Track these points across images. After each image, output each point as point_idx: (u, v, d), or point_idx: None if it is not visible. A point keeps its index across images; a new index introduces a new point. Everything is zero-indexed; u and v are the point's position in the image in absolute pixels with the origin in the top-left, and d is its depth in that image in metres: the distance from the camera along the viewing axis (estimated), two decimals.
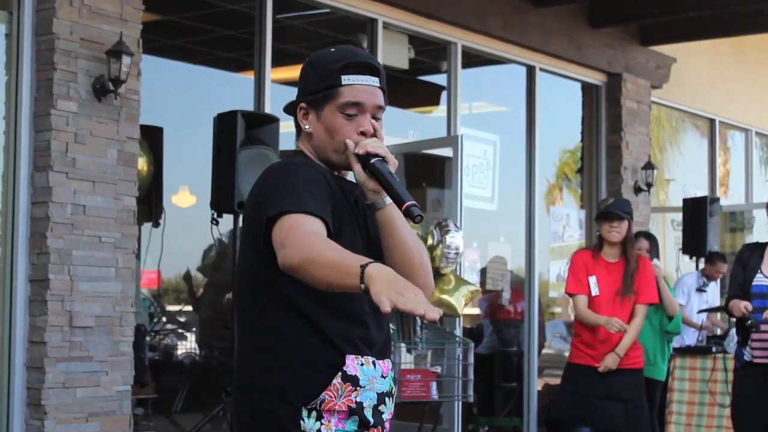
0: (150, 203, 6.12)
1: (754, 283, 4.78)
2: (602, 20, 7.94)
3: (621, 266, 4.98)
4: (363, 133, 2.01)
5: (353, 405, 1.92)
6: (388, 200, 1.99)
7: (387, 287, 1.63)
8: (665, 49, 8.66)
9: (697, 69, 9.36)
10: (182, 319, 8.38)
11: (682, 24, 8.31)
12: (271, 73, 6.00)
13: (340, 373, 1.92)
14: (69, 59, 4.66)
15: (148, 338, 6.70)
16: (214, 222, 4.86)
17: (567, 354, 10.92)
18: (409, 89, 8.20)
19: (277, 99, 6.02)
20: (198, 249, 7.86)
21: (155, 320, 7.62)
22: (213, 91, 7.86)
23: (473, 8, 7.02)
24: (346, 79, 2.00)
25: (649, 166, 8.30)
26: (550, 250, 7.93)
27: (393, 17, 6.69)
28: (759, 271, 4.80)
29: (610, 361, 4.86)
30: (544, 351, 8.38)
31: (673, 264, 9.19)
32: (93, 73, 4.74)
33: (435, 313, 1.62)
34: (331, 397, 1.91)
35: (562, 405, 5.09)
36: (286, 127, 5.76)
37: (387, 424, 2.00)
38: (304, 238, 1.80)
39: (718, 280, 7.27)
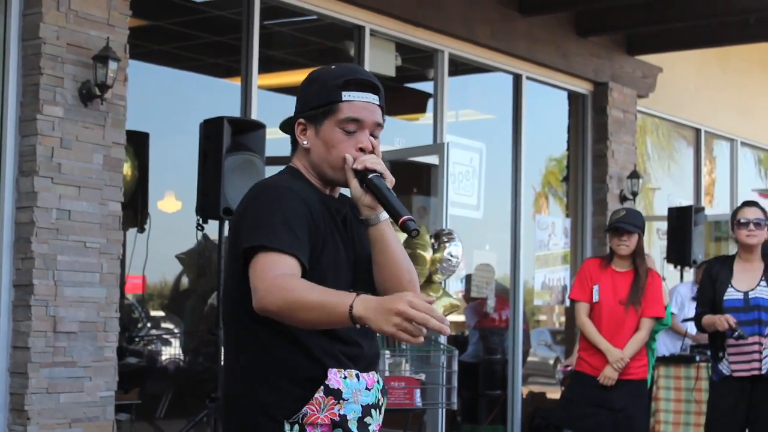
0: (135, 208, 6.11)
1: (725, 298, 4.69)
2: (589, 29, 7.98)
3: (629, 276, 4.95)
4: (361, 150, 2.04)
5: (336, 418, 1.94)
6: (382, 216, 2.02)
7: (385, 318, 1.70)
8: (652, 58, 8.71)
9: (682, 79, 9.43)
10: (167, 325, 8.37)
11: (668, 34, 8.35)
12: (258, 80, 6.02)
13: (322, 387, 1.94)
14: (55, 64, 4.66)
15: (132, 344, 6.69)
16: (199, 228, 4.87)
17: (551, 362, 10.98)
18: (395, 96, 8.21)
19: (263, 105, 6.03)
20: (184, 254, 7.85)
21: (140, 326, 7.60)
22: (199, 97, 7.87)
23: (460, 16, 7.05)
24: (346, 95, 2.02)
25: (634, 175, 8.33)
26: (536, 258, 7.95)
27: (380, 24, 6.72)
28: (729, 285, 4.71)
29: (608, 372, 4.86)
30: (528, 359, 8.40)
31: (659, 272, 9.21)
32: (79, 78, 4.75)
33: (447, 327, 1.72)
34: (314, 411, 1.93)
35: (554, 410, 5.15)
36: (273, 133, 5.78)
37: None
38: (280, 283, 1.82)
39: None
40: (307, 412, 1.93)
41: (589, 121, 8.37)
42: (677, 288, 7.25)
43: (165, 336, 8.03)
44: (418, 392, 4.99)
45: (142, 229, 6.26)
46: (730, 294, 4.71)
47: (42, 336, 4.59)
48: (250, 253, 1.90)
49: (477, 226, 7.63)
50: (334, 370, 1.95)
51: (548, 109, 8.60)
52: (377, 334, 1.94)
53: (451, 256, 5.35)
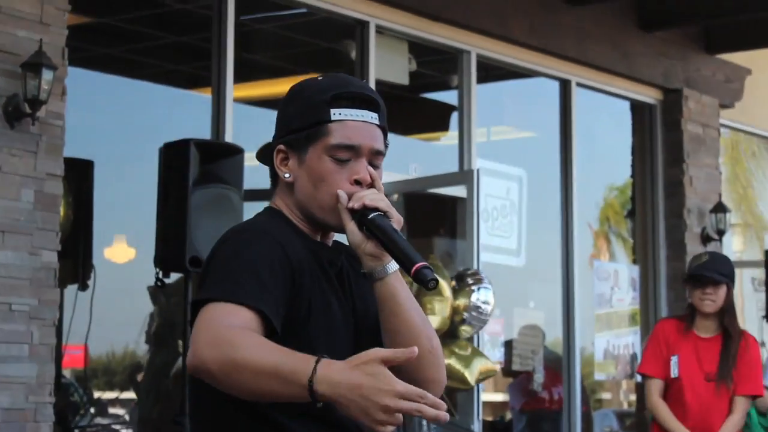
0: (76, 259, 6.09)
1: None
2: (656, 22, 8.01)
3: (717, 343, 4.93)
4: (358, 182, 2.04)
5: None
6: (390, 267, 2.02)
7: (365, 411, 1.71)
8: (737, 57, 8.73)
9: None
10: (117, 411, 8.31)
11: (757, 26, 8.37)
12: (234, 91, 6.03)
13: None
14: None
15: None
16: (159, 283, 4.86)
17: None
18: (409, 110, 8.21)
19: (241, 124, 6.04)
20: (138, 318, 7.81)
21: (81, 412, 7.56)
22: (159, 114, 7.90)
23: (491, 8, 7.09)
24: (336, 113, 2.03)
25: (720, 208, 8.31)
26: (595, 318, 7.91)
27: (389, 19, 6.75)
28: None
29: None
30: None
31: (756, 335, 9.15)
32: (4, 91, 4.76)
33: (445, 414, 1.71)
34: None
35: None
36: (253, 159, 5.79)
37: None
38: (227, 336, 1.82)
39: None
40: None
41: (658, 138, 8.37)
42: None
43: (115, 426, 7.97)
44: None
45: (84, 286, 6.24)
46: None
47: None
48: (198, 308, 1.92)
49: (518, 276, 7.62)
50: None
51: (606, 125, 8.61)
52: None
53: (481, 302, 5.33)
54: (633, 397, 9.74)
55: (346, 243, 2.09)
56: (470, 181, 6.21)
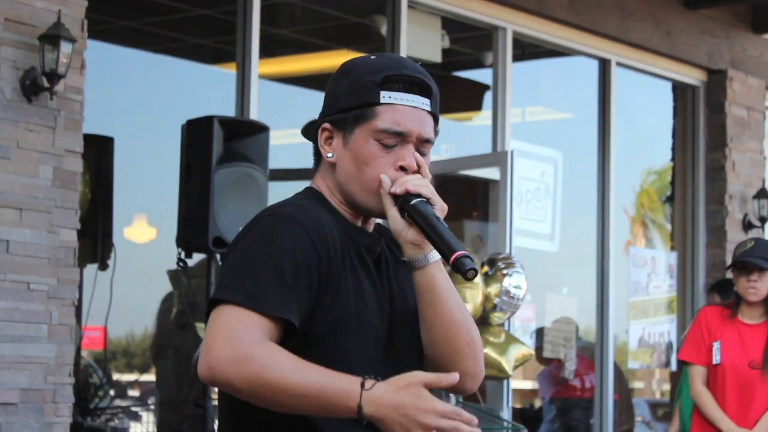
0: (95, 238, 6.13)
1: None
2: None
3: (763, 330, 4.93)
4: (403, 169, 2.04)
5: None
6: (432, 257, 2.03)
7: (405, 425, 1.81)
8: None
9: None
10: (136, 393, 8.35)
11: None
12: (259, 67, 6.01)
13: None
14: None
15: (90, 418, 6.67)
16: (180, 264, 4.86)
17: None
18: (442, 89, 8.16)
19: (266, 100, 6.03)
20: (158, 299, 7.85)
21: (100, 394, 7.61)
22: (181, 90, 7.91)
23: None
24: (386, 96, 2.02)
25: (763, 194, 8.26)
26: (630, 305, 7.88)
27: None
28: None
29: None
30: None
31: None
32: (21, 64, 4.73)
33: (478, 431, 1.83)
34: None
35: None
36: (279, 137, 5.75)
37: None
38: (251, 352, 1.84)
39: None
40: None
41: (701, 121, 8.32)
42: None
43: (134, 408, 8.02)
44: None
45: (104, 266, 6.27)
46: None
47: None
48: (214, 305, 1.92)
49: (551, 261, 7.58)
50: None
51: (646, 106, 8.55)
52: None
53: (513, 287, 5.35)
54: (666, 387, 9.72)
55: (389, 229, 2.09)
56: (504, 162, 6.17)
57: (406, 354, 2.06)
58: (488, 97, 7.32)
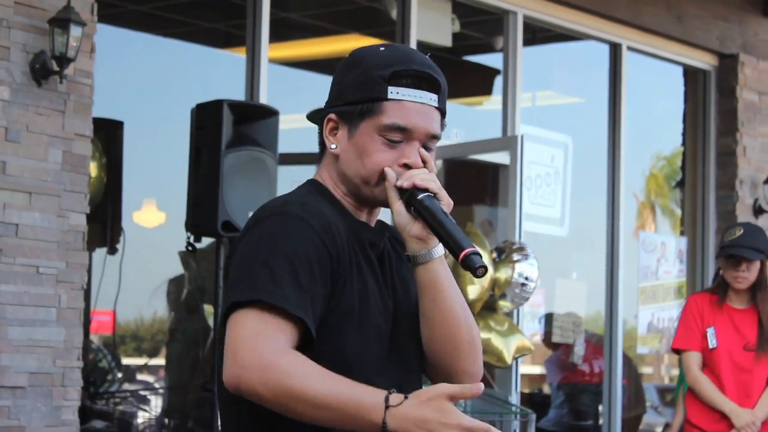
0: (104, 222, 6.13)
1: None
2: None
3: (753, 314, 4.96)
4: (407, 166, 2.03)
5: None
6: (436, 252, 2.02)
7: None
8: None
9: None
10: (145, 377, 8.37)
11: None
12: (269, 50, 5.99)
13: None
14: None
15: (99, 402, 6.69)
16: (189, 248, 4.87)
17: (659, 430, 10.86)
18: (452, 73, 8.16)
19: (276, 84, 6.00)
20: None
21: (109, 378, 7.64)
22: (191, 74, 7.90)
23: None
24: (393, 92, 2.00)
25: None
26: (640, 291, 7.86)
27: None
28: None
29: (747, 419, 4.79)
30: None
31: None
32: (31, 48, 4.74)
33: None
34: None
35: None
36: (288, 122, 5.74)
37: None
38: (278, 363, 1.83)
39: None
40: None
41: (712, 106, 8.28)
42: None
43: (142, 392, 8.05)
44: None
45: (113, 250, 6.28)
46: None
47: None
48: (233, 309, 1.90)
49: (560, 246, 7.61)
50: None
51: (657, 91, 8.52)
52: None
53: (526, 279, 5.33)
54: (675, 372, 9.72)
55: (391, 224, 2.08)
56: (514, 147, 6.16)
57: (410, 351, 2.05)
58: (498, 81, 7.31)
